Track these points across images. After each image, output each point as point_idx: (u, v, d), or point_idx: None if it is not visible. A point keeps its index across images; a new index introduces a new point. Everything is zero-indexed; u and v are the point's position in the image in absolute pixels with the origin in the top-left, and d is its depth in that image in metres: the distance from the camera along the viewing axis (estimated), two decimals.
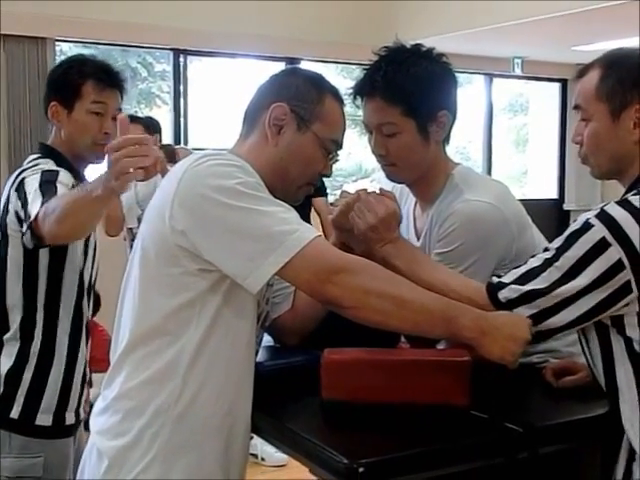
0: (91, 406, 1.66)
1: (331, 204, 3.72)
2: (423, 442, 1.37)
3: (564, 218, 8.19)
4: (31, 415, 2.02)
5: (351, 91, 1.80)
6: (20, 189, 1.93)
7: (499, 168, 8.17)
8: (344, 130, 1.63)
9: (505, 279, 1.50)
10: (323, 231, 3.94)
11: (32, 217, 1.81)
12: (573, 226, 1.45)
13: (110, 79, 2.12)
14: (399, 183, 1.92)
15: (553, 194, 8.35)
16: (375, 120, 1.78)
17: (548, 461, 1.46)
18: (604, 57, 1.54)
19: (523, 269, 1.48)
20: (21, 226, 1.94)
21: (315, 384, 1.48)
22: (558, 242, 1.45)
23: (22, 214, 1.90)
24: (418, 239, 1.89)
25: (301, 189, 1.61)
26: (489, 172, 7.73)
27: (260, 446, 3.80)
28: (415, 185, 1.88)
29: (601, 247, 1.39)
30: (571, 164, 8.06)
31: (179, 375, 1.44)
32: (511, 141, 9.25)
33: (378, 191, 1.74)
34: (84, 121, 2.09)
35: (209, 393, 1.46)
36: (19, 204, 1.92)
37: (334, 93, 1.61)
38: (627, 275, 1.39)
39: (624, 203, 1.44)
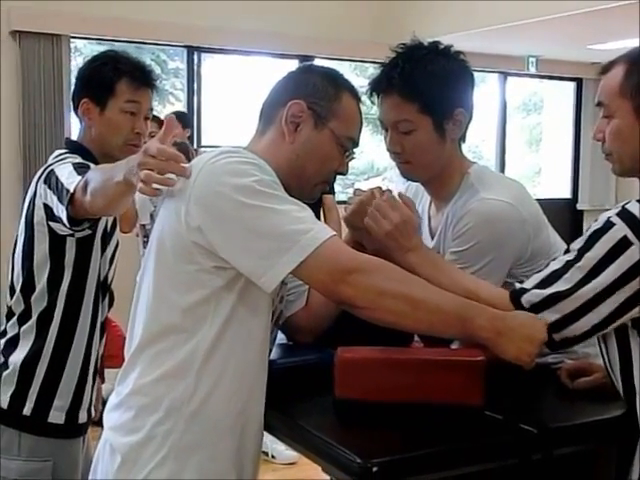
0: (104, 402, 1.66)
1: (339, 202, 3.70)
2: (437, 442, 1.37)
3: (577, 218, 8.16)
4: (43, 412, 2.01)
5: (365, 89, 1.80)
6: (49, 179, 1.90)
7: (512, 167, 8.14)
8: (361, 127, 1.62)
9: (527, 285, 1.48)
10: None
11: (71, 190, 1.76)
12: (594, 225, 1.43)
13: (145, 78, 2.07)
14: (414, 181, 1.91)
15: (566, 194, 8.31)
16: (391, 117, 1.77)
17: (563, 462, 1.45)
18: (629, 54, 1.52)
19: (545, 273, 1.47)
20: (49, 218, 1.93)
21: (328, 382, 1.47)
22: (579, 243, 1.44)
23: (54, 201, 1.86)
24: (432, 238, 1.88)
25: (317, 187, 1.60)
26: (502, 171, 7.69)
27: (270, 444, 3.80)
28: (430, 184, 1.87)
29: (623, 246, 1.38)
30: (585, 164, 8.02)
31: (193, 372, 1.43)
32: (524, 140, 9.21)
33: (396, 194, 1.72)
34: (117, 120, 2.04)
35: (223, 391, 1.45)
36: (49, 193, 1.89)
37: (351, 90, 1.59)
38: None
39: None
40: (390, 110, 1.77)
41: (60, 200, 1.82)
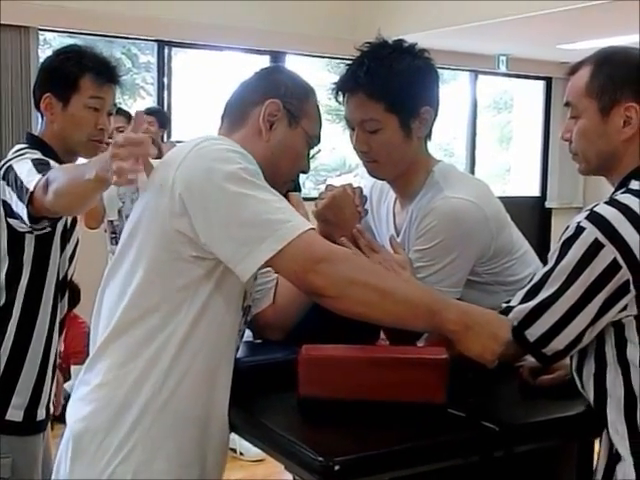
0: (67, 398, 1.64)
1: (310, 199, 3.71)
2: (399, 440, 1.37)
3: (546, 216, 8.24)
4: (1, 410, 1.99)
5: (334, 86, 1.80)
6: (8, 175, 1.88)
7: (482, 165, 8.19)
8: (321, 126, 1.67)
9: (513, 302, 1.48)
10: None
11: (31, 188, 1.74)
12: (566, 233, 1.43)
13: (109, 73, 2.05)
14: (381, 180, 1.91)
15: (535, 192, 8.39)
16: (358, 116, 1.77)
17: (524, 460, 1.46)
18: (596, 54, 1.54)
19: (527, 287, 1.47)
20: (7, 215, 1.91)
21: (292, 380, 1.47)
22: (554, 253, 1.44)
23: (13, 198, 1.84)
24: (398, 235, 1.88)
25: (286, 185, 1.63)
26: (472, 169, 7.75)
27: (238, 440, 3.75)
28: (396, 181, 1.88)
29: (595, 249, 1.38)
30: (554, 162, 8.10)
31: (166, 362, 1.43)
32: (495, 138, 9.27)
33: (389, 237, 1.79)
34: (80, 116, 2.01)
35: (190, 382, 1.45)
36: (7, 189, 1.87)
37: (313, 91, 1.65)
38: (625, 275, 1.37)
39: (613, 202, 1.43)
40: (356, 109, 1.77)
41: (20, 198, 1.80)
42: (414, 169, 1.83)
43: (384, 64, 1.73)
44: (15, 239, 1.96)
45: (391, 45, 1.78)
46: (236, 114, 1.60)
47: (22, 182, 1.80)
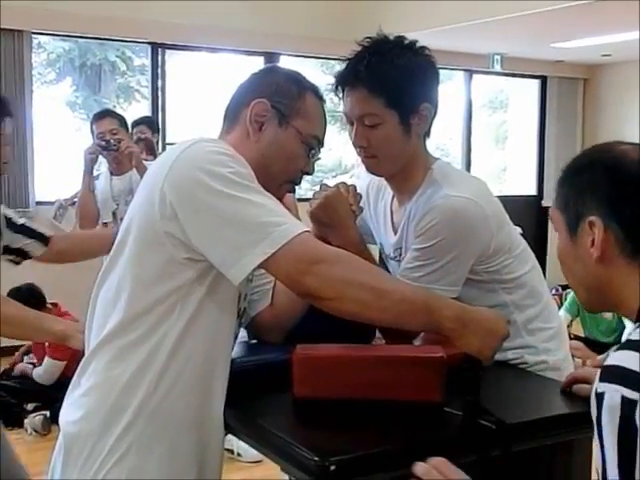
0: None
1: (305, 199, 3.72)
2: (396, 439, 1.36)
3: (543, 214, 8.25)
4: None
5: (331, 87, 1.79)
6: None
7: (478, 165, 8.20)
8: (325, 127, 1.63)
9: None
10: None
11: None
12: None
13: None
14: (379, 176, 1.90)
15: (532, 191, 8.40)
16: (357, 111, 1.76)
17: (521, 459, 1.45)
18: (576, 156, 1.27)
19: None
20: None
21: (288, 381, 1.46)
22: None
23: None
24: (395, 233, 1.87)
25: (282, 186, 1.60)
26: (468, 169, 7.76)
27: (236, 442, 3.77)
28: (394, 179, 1.87)
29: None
30: (550, 160, 8.12)
31: (159, 365, 1.42)
32: (490, 137, 9.29)
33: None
34: None
35: (184, 385, 1.44)
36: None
37: (314, 90, 1.61)
38: None
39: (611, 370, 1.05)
40: (356, 104, 1.76)
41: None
42: (413, 166, 1.81)
43: (385, 59, 1.72)
44: None
45: (392, 41, 1.77)
46: (230, 116, 1.60)
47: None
